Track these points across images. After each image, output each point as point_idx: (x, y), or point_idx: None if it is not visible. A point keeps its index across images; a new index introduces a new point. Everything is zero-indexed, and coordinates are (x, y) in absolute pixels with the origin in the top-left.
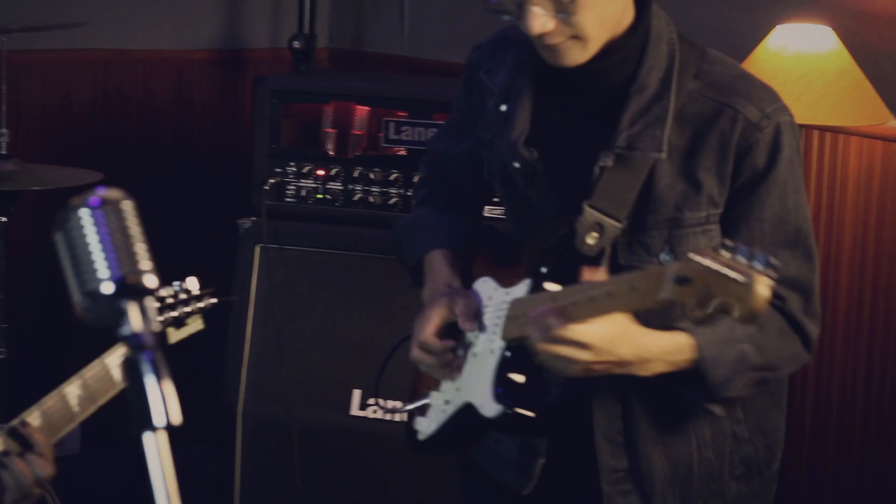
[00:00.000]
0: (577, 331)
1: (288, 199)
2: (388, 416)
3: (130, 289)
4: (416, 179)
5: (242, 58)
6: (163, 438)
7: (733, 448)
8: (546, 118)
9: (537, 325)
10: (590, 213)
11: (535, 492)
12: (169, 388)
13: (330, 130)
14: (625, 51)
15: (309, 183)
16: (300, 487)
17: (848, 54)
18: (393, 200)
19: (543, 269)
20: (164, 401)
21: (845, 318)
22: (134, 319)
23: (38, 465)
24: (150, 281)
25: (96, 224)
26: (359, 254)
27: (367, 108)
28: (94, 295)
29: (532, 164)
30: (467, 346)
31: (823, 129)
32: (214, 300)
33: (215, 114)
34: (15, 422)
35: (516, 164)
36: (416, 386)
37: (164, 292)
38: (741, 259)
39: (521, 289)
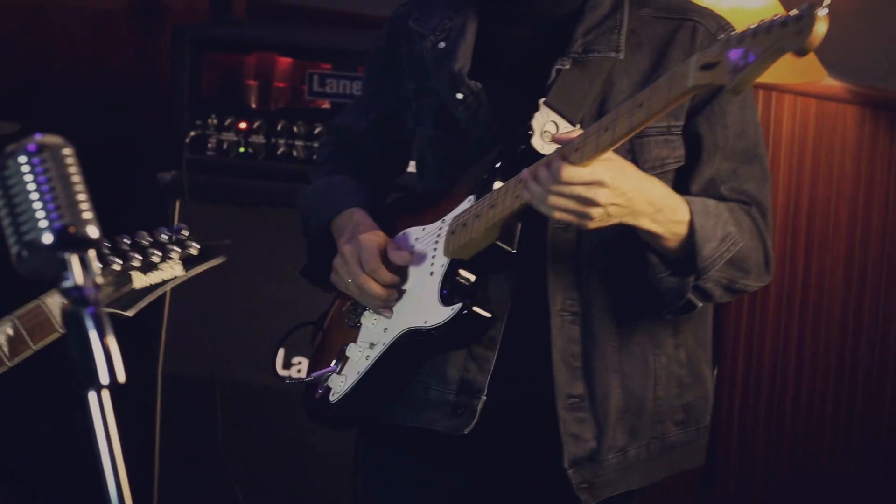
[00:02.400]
0: (588, 169)
1: (209, 153)
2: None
3: (72, 239)
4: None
5: (158, 6)
6: (106, 397)
7: (678, 392)
8: (489, 51)
9: (540, 175)
10: (545, 112)
11: (474, 434)
12: (113, 344)
13: (252, 83)
14: None
15: (231, 136)
16: (222, 448)
17: (782, 8)
18: (316, 155)
19: (487, 176)
20: (108, 358)
21: (778, 278)
22: (76, 272)
23: None
24: (93, 231)
25: (34, 171)
26: (282, 209)
27: (289, 59)
28: (34, 246)
29: (476, 94)
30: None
31: (757, 87)
32: (196, 245)
33: (132, 64)
34: None
35: (459, 96)
36: (320, 350)
37: (141, 238)
38: (752, 27)
39: (462, 207)
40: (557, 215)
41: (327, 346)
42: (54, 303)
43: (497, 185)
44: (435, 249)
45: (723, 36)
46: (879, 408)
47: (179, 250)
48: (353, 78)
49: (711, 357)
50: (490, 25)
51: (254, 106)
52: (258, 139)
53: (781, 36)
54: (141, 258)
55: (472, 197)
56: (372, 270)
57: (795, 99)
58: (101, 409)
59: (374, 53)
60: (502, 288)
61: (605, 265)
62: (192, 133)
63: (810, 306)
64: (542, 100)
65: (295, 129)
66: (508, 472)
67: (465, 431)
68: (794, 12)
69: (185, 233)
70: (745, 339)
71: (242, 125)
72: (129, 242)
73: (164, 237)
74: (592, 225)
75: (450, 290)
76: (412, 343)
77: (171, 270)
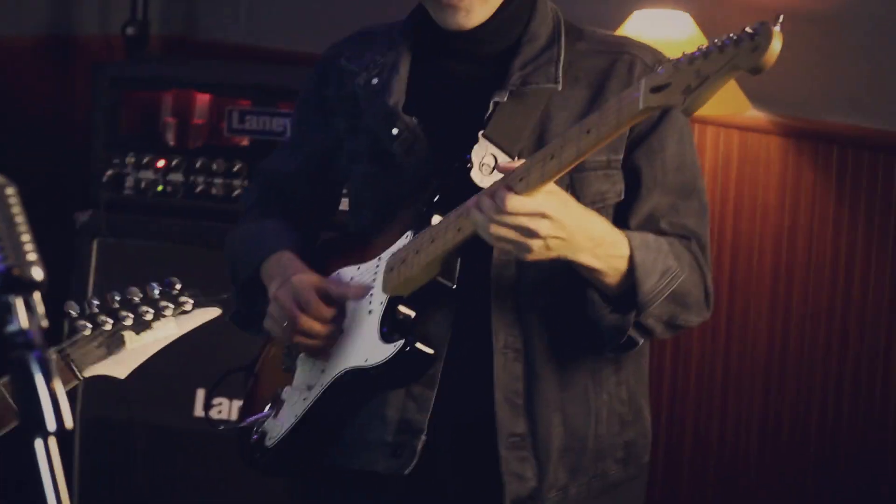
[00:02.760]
0: (532, 200)
1: (127, 191)
2: (233, 418)
3: (16, 282)
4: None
5: (72, 44)
6: (53, 444)
7: (619, 429)
8: (423, 87)
9: (484, 204)
10: (484, 144)
11: (414, 474)
12: (60, 389)
13: (170, 120)
14: (514, 9)
15: (149, 174)
16: (141, 491)
17: (706, 41)
18: (237, 192)
19: (426, 210)
20: (55, 404)
21: None
22: (20, 315)
23: None
24: (38, 273)
25: None
26: (201, 248)
27: (208, 96)
28: None
29: (412, 129)
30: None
31: None
32: (190, 301)
33: (44, 102)
34: None
35: (394, 131)
36: (254, 394)
37: (131, 295)
38: (703, 47)
39: (400, 243)
40: (498, 245)
41: (260, 390)
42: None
43: (436, 219)
44: (372, 288)
45: (673, 58)
46: (805, 440)
47: (172, 306)
48: (273, 114)
49: (648, 395)
50: (424, 61)
51: (172, 143)
52: (176, 177)
53: (735, 54)
54: (133, 316)
55: (409, 233)
56: (311, 309)
57: (718, 130)
58: (47, 456)
59: (302, 95)
60: (442, 324)
61: (545, 302)
62: (110, 171)
63: (734, 340)
64: (481, 132)
65: (214, 166)
66: None
67: (406, 472)
68: (747, 29)
69: (178, 287)
70: (670, 375)
71: (160, 163)
72: (119, 300)
73: (156, 293)
74: (531, 257)
75: (390, 327)
76: (352, 383)
77: (166, 329)
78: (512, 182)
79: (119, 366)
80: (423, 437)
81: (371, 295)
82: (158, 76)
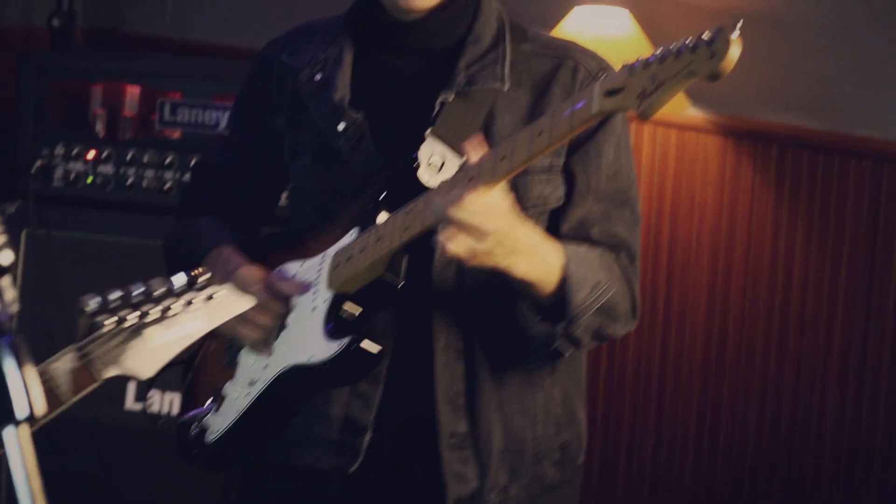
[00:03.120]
0: (486, 198)
1: (56, 183)
2: (164, 411)
3: None
4: (191, 165)
5: None
6: (25, 432)
7: (555, 431)
8: (368, 82)
9: (443, 194)
10: (431, 143)
11: (357, 472)
12: (31, 375)
13: (100, 111)
14: (459, 7)
15: (78, 166)
16: (71, 488)
17: (645, 38)
18: (168, 185)
19: (371, 207)
20: (26, 390)
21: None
22: None
23: None
24: (5, 257)
25: None
26: (131, 239)
27: (138, 87)
28: None
29: (358, 124)
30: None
31: None
32: (219, 291)
33: None
34: None
35: (340, 126)
36: (193, 389)
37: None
38: (658, 52)
39: (345, 240)
40: (447, 241)
41: (200, 385)
42: (60, 370)
43: (382, 216)
44: (317, 284)
45: (627, 62)
46: (743, 440)
47: (200, 298)
48: (205, 107)
49: (583, 391)
50: (367, 55)
51: (102, 135)
52: (107, 169)
53: (691, 60)
54: (157, 310)
55: (355, 230)
56: (263, 302)
57: (655, 128)
58: (17, 445)
59: (241, 91)
60: (386, 322)
61: (484, 303)
62: (39, 162)
63: (672, 337)
64: (429, 130)
65: (145, 158)
66: None
67: (350, 470)
68: (705, 35)
69: (206, 277)
70: (605, 375)
71: (90, 154)
72: (140, 292)
73: (181, 283)
74: (474, 260)
75: (335, 324)
76: (296, 379)
77: (193, 323)
78: (462, 182)
79: (142, 366)
80: (368, 436)
81: (315, 291)
82: (87, 67)
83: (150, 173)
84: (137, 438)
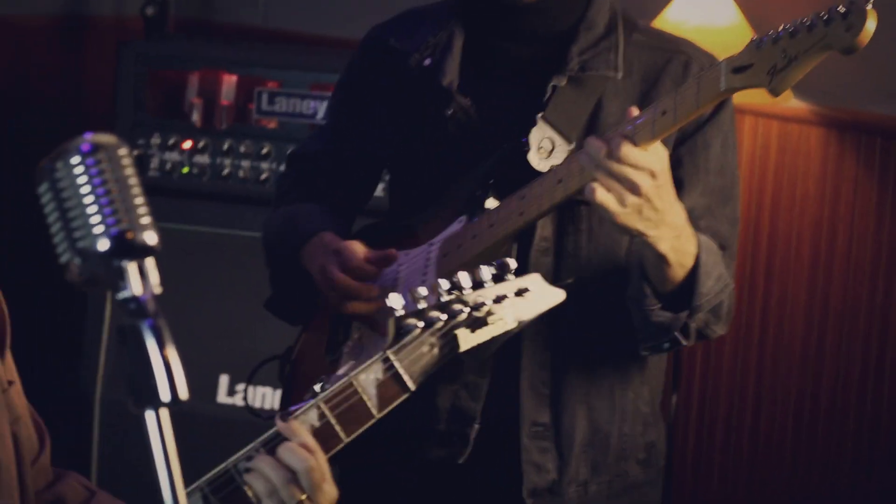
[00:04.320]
0: (644, 153)
1: (151, 173)
2: (256, 405)
3: (129, 246)
4: (288, 153)
5: (86, 24)
6: (165, 416)
7: (642, 430)
8: (477, 66)
9: (593, 146)
10: (542, 127)
11: (466, 462)
12: (174, 358)
13: (196, 100)
14: None
15: (174, 156)
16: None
17: (749, 27)
18: (264, 175)
19: (480, 193)
20: (169, 374)
21: (737, 301)
22: (133, 281)
23: None
24: (151, 238)
25: (89, 173)
26: (227, 231)
27: (235, 76)
28: (88, 253)
29: (465, 109)
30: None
31: None
32: (533, 284)
33: (59, 82)
34: None
35: (448, 112)
36: (293, 383)
37: (462, 281)
38: (788, 26)
39: (453, 228)
40: (596, 194)
41: (300, 379)
42: (370, 381)
43: (490, 202)
44: (425, 273)
45: (754, 37)
46: (843, 435)
47: (510, 294)
48: (303, 96)
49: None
50: (478, 41)
51: (199, 125)
52: (203, 159)
53: (826, 33)
54: (467, 310)
55: (463, 217)
56: (360, 271)
57: (756, 120)
58: (159, 429)
59: (342, 78)
60: None
61: (578, 291)
62: (135, 152)
63: (770, 332)
64: (540, 115)
65: (241, 148)
66: (481, 500)
67: (460, 461)
68: (839, 8)
69: (513, 269)
70: (701, 371)
71: (187, 144)
72: (447, 289)
73: (488, 277)
74: (621, 215)
75: None
76: None
77: (503, 323)
78: (627, 133)
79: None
80: (477, 426)
81: (424, 281)
82: (184, 55)
83: (246, 163)
84: (229, 431)
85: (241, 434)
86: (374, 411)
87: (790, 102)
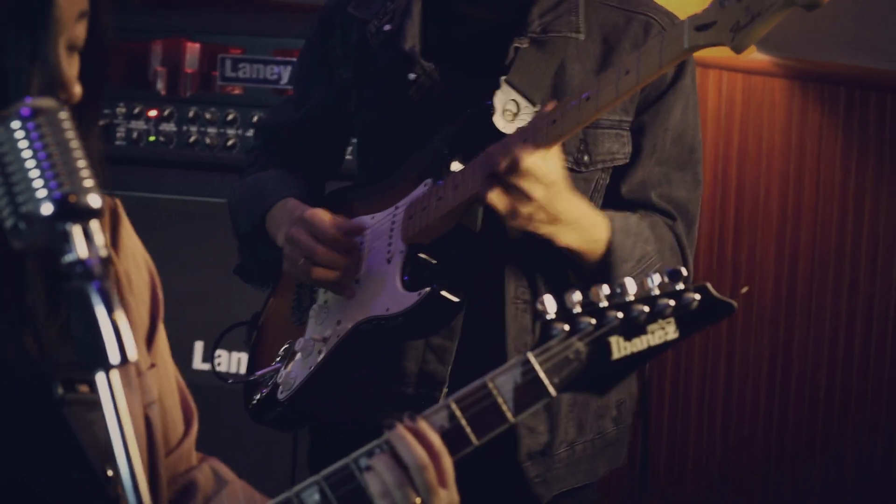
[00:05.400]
0: (539, 164)
1: (118, 143)
2: (232, 370)
3: (73, 209)
4: (253, 121)
5: None
6: (116, 378)
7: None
8: (437, 31)
9: (496, 155)
10: (506, 90)
11: None
12: (122, 320)
13: (160, 69)
14: None
15: (140, 125)
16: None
17: None
18: (231, 142)
19: (447, 155)
20: (117, 335)
21: (706, 258)
22: (79, 244)
23: None
24: (95, 200)
25: (29, 137)
26: (195, 198)
27: (198, 44)
28: (31, 217)
29: (429, 73)
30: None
31: None
32: (697, 296)
33: None
34: None
35: (411, 76)
36: (259, 348)
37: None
38: None
39: (419, 191)
40: (490, 196)
41: (267, 344)
42: (507, 383)
43: (455, 165)
44: (391, 236)
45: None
46: (815, 384)
47: (674, 303)
48: (266, 62)
49: None
50: (436, 4)
51: (163, 93)
52: (169, 127)
53: None
54: (623, 315)
55: (429, 180)
56: (328, 239)
57: (721, 74)
58: (111, 390)
59: (304, 47)
60: (462, 272)
61: (549, 258)
62: (100, 122)
63: (741, 284)
64: (504, 77)
65: (207, 115)
66: (459, 466)
67: None
68: None
69: (685, 277)
70: None
71: (152, 113)
72: (607, 294)
73: (654, 284)
74: (514, 221)
75: (411, 275)
76: (371, 333)
77: (663, 332)
78: (542, 124)
79: (597, 382)
80: (445, 390)
81: (389, 244)
82: (146, 25)
83: (212, 130)
84: (204, 397)
85: (217, 400)
86: (508, 415)
87: (753, 55)
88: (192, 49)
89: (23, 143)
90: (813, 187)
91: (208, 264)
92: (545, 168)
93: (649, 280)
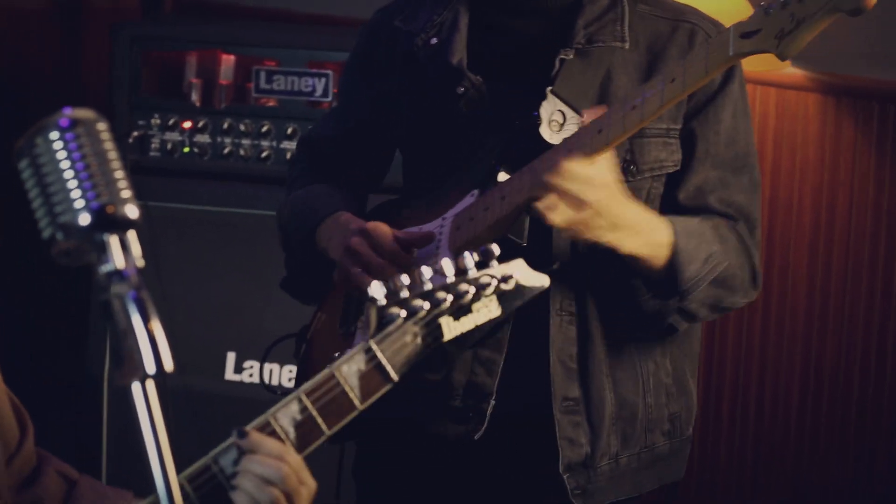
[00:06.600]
0: (587, 167)
1: (153, 153)
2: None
3: (111, 220)
4: (289, 132)
5: (82, 7)
6: (151, 388)
7: (665, 401)
8: (484, 44)
9: (544, 164)
10: (552, 101)
11: (482, 438)
12: (159, 330)
13: (195, 80)
14: None
15: (175, 136)
16: (172, 455)
17: (751, 7)
18: (265, 153)
19: (493, 167)
20: (153, 346)
21: None
22: (116, 254)
23: None
24: (132, 211)
25: (68, 147)
26: (229, 209)
27: (232, 56)
28: (69, 227)
29: (477, 86)
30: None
31: None
32: (515, 271)
33: (55, 66)
34: None
35: (460, 90)
36: (308, 361)
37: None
38: None
39: (466, 202)
40: (545, 211)
41: (315, 356)
42: (353, 371)
43: (502, 176)
44: (437, 248)
45: (763, 3)
46: (847, 399)
47: (494, 280)
48: (300, 74)
49: (696, 365)
50: (482, 18)
51: (198, 104)
52: (203, 138)
53: None
54: (451, 298)
55: (475, 191)
56: (387, 253)
57: (755, 88)
58: (146, 401)
59: (349, 61)
60: None
61: (597, 268)
62: (135, 133)
63: (774, 299)
64: (549, 88)
65: (241, 127)
66: (502, 477)
67: (476, 437)
68: None
69: (497, 255)
70: (706, 338)
71: (187, 124)
72: (430, 277)
73: (472, 265)
74: (573, 231)
75: None
76: None
77: (487, 310)
78: (588, 134)
79: (432, 364)
80: (493, 402)
81: (436, 255)
82: (181, 36)
83: (246, 142)
84: (237, 409)
85: (249, 410)
86: (356, 402)
87: (787, 70)
88: (227, 61)
89: (61, 154)
90: (846, 201)
91: (241, 275)
92: (596, 172)
93: (465, 259)
